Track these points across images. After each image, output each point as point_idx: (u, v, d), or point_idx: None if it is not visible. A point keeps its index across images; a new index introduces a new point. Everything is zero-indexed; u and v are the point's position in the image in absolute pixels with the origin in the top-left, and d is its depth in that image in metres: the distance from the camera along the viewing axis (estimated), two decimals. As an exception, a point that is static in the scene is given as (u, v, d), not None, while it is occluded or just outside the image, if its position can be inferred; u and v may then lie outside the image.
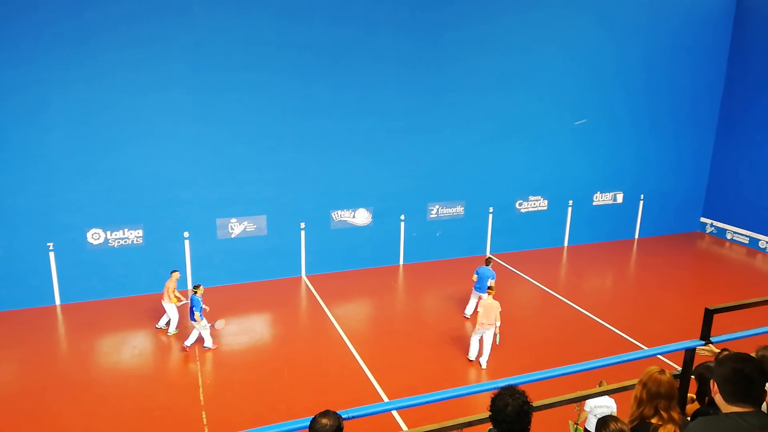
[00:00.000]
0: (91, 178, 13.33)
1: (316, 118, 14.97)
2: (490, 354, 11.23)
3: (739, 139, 19.30)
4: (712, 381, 2.96)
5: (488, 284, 12.01)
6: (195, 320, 11.47)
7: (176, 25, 13.27)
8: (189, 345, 11.65)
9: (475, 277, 13.03)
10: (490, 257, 13.86)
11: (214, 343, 11.76)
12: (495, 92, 16.65)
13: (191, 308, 11.48)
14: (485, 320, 10.96)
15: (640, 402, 3.68)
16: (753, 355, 4.64)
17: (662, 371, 3.67)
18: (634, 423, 3.62)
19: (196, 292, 11.54)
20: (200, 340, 11.80)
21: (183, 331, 12.34)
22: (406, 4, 15.16)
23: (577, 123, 14.28)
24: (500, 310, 11.05)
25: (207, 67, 13.72)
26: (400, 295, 15.04)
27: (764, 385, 2.89)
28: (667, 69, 18.65)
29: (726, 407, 2.83)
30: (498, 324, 10.99)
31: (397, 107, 15.71)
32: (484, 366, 11.18)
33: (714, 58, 19.29)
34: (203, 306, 11.54)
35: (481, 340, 11.26)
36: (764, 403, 3.15)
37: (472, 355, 11.38)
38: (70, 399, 9.92)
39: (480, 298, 12.49)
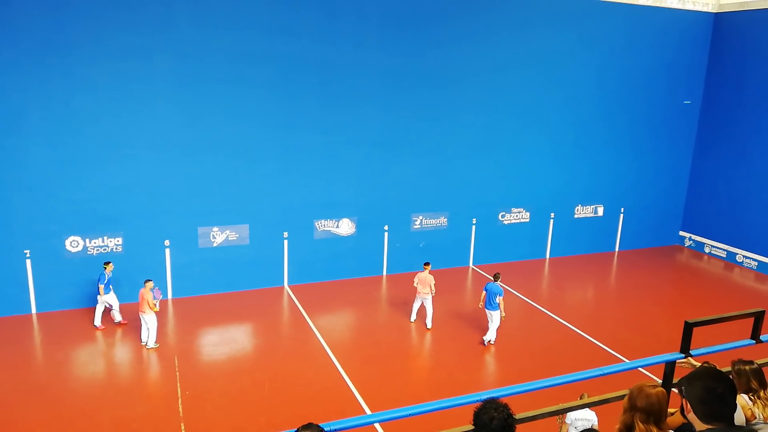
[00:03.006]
0: (70, 184, 13.14)
1: (301, 128, 14.96)
2: (433, 319, 13.32)
3: (717, 155, 19.69)
4: (684, 400, 2.96)
5: (499, 303, 12.34)
6: (99, 293, 12.72)
7: (160, 37, 13.21)
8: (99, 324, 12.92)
9: (483, 294, 12.46)
10: (498, 273, 12.94)
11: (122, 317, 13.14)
12: (478, 107, 16.81)
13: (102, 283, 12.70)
14: (421, 289, 13.23)
15: (624, 410, 3.70)
16: (729, 368, 4.71)
17: (655, 386, 3.66)
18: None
19: (105, 268, 12.73)
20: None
21: (162, 343, 12.17)
22: (392, 23, 15.29)
23: (685, 102, 14.84)
24: (434, 282, 13.23)
25: (191, 78, 13.66)
26: (384, 305, 15.00)
27: (735, 401, 2.90)
28: (646, 86, 18.99)
29: (700, 425, 2.85)
30: (433, 292, 13.24)
31: (382, 120, 15.77)
32: (429, 326, 13.27)
33: (691, 76, 19.69)
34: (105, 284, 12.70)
35: (422, 306, 13.47)
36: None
37: (412, 317, 13.63)
38: (45, 410, 9.69)
39: (490, 316, 12.43)
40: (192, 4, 13.37)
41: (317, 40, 14.61)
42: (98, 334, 12.57)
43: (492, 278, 12.80)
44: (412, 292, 15.41)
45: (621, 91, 18.67)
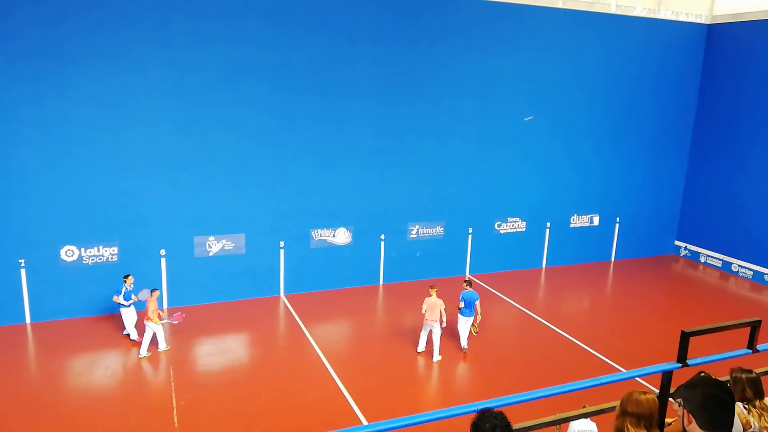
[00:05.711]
0: (65, 194, 13.10)
1: (297, 137, 14.99)
2: (440, 347, 12.24)
3: (712, 165, 19.78)
4: (684, 410, 2.94)
5: (476, 307, 12.42)
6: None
7: (156, 49, 13.25)
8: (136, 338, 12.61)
9: (461, 304, 12.50)
10: (470, 279, 13.39)
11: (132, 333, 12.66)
12: (474, 116, 16.87)
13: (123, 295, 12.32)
14: (430, 317, 12.08)
15: (616, 416, 3.76)
16: (727, 377, 4.71)
17: (645, 392, 3.69)
18: None
19: (125, 282, 12.32)
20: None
21: (176, 345, 12.10)
22: (384, 39, 15.35)
23: (526, 119, 14.57)
24: (444, 308, 12.22)
25: (186, 89, 13.69)
26: (380, 315, 14.96)
27: (734, 409, 2.90)
28: (639, 97, 19.08)
29: None
30: (444, 319, 12.21)
31: (378, 129, 15.82)
32: (435, 359, 12.11)
33: (685, 86, 19.82)
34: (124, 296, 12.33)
35: (430, 334, 12.28)
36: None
37: (420, 348, 12.43)
38: (37, 421, 9.59)
39: (466, 322, 12.54)
40: (187, 20, 13.42)
41: (312, 53, 14.66)
42: (92, 344, 12.47)
43: (465, 286, 12.66)
44: (409, 301, 15.37)
45: (615, 101, 18.75)
